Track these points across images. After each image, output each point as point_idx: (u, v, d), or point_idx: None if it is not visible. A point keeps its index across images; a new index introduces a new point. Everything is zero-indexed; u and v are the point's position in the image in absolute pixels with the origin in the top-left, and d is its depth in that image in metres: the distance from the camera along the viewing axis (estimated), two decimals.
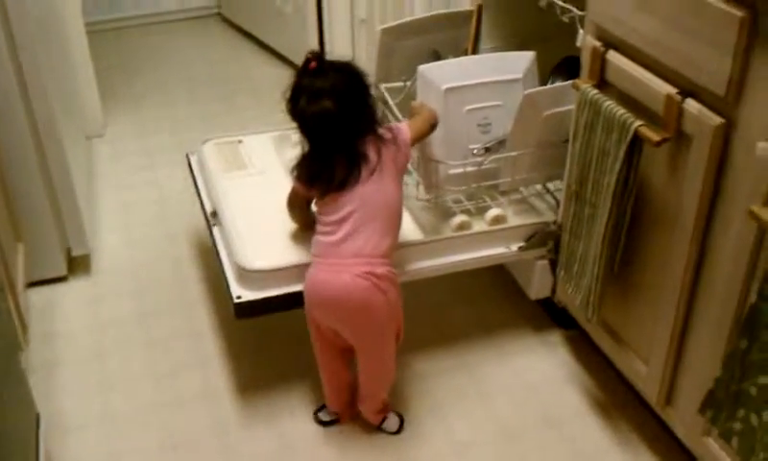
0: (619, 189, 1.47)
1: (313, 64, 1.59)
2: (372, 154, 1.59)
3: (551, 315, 2.01)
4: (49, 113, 1.99)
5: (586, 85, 1.54)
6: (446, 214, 1.89)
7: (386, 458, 1.69)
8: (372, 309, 1.58)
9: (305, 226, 1.75)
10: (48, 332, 2.01)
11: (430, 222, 1.89)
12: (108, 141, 2.88)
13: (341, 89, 1.57)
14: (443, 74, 1.80)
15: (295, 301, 1.69)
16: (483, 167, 1.84)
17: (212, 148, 2.10)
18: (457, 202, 1.91)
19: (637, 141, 1.42)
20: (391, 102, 1.99)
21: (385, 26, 2.01)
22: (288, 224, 1.81)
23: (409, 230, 1.85)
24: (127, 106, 3.11)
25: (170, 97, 3.18)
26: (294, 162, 1.65)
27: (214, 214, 1.88)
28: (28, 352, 1.91)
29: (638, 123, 1.41)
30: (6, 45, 1.86)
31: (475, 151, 1.82)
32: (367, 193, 1.58)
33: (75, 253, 2.18)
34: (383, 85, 2.02)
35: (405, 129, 1.68)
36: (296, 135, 2.09)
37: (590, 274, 1.59)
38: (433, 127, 1.77)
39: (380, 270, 1.56)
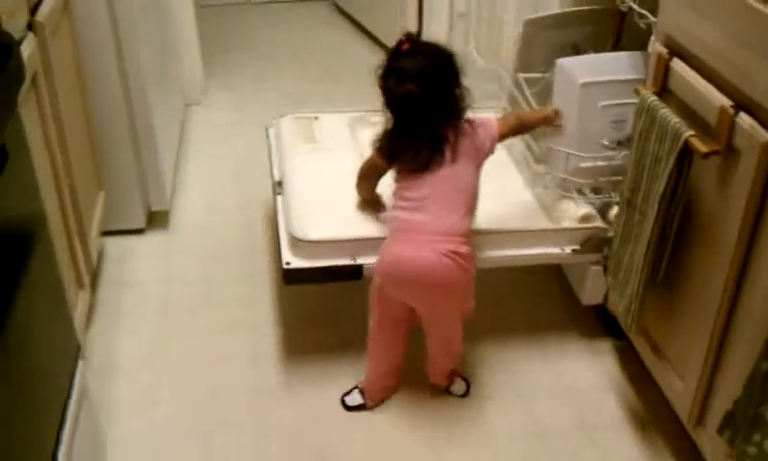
0: (667, 198, 1.45)
1: (405, 46, 1.64)
2: (453, 141, 1.63)
3: (604, 323, 1.98)
4: (141, 77, 2.11)
5: (646, 92, 1.53)
6: (571, 205, 1.89)
7: (417, 441, 1.71)
8: (454, 287, 1.62)
9: (370, 199, 1.81)
10: (119, 280, 2.13)
11: (554, 212, 1.91)
12: (206, 109, 3.02)
13: (427, 74, 1.61)
14: (580, 68, 1.81)
15: (342, 273, 1.75)
16: (613, 163, 1.83)
17: (289, 122, 2.17)
18: (582, 195, 1.90)
19: (688, 151, 1.40)
20: (527, 91, 2.01)
21: (527, 17, 2.03)
22: (346, 199, 1.86)
23: (531, 216, 1.91)
24: (227, 78, 3.24)
25: (269, 74, 3.30)
26: (377, 135, 1.71)
27: (279, 184, 1.95)
28: (95, 294, 2.05)
29: (690, 133, 1.38)
30: (108, 16, 1.99)
31: (607, 143, 1.81)
32: (448, 175, 1.62)
33: (154, 208, 2.30)
34: (521, 75, 2.04)
35: (493, 124, 1.72)
36: (373, 117, 2.19)
37: (634, 282, 1.57)
38: (523, 129, 1.83)
39: (463, 249, 1.60)
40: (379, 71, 1.66)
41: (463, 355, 1.82)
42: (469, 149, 1.65)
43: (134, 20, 2.04)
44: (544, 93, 1.98)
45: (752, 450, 1.25)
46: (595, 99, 1.79)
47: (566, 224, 1.85)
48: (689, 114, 1.45)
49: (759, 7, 1.24)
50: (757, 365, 1.23)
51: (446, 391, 1.82)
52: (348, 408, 1.77)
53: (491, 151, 1.72)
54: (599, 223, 1.83)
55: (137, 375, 1.85)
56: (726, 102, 1.34)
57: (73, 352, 1.43)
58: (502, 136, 1.76)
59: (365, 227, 1.79)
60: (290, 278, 1.75)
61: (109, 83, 2.07)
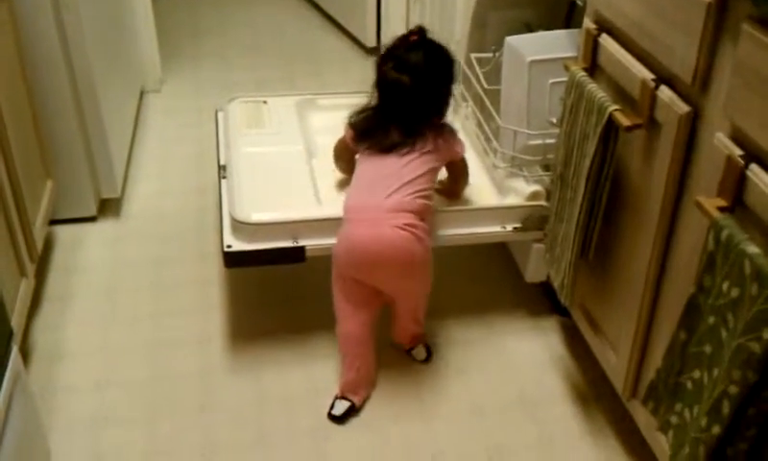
0: (594, 173, 1.46)
1: (413, 38, 1.70)
2: (428, 138, 1.67)
3: (550, 300, 2.00)
4: (88, 64, 2.10)
5: (575, 68, 1.53)
6: (521, 183, 1.91)
7: (358, 419, 1.73)
8: (414, 257, 1.64)
9: (349, 176, 1.82)
10: (68, 267, 2.13)
11: (503, 190, 1.93)
12: (164, 97, 3.00)
13: (424, 71, 1.67)
14: (529, 46, 1.81)
15: (284, 256, 1.76)
16: None
17: (237, 106, 2.17)
18: (532, 172, 1.92)
19: (613, 126, 1.41)
20: (478, 70, 2.01)
21: None
22: (290, 182, 1.87)
23: (481, 195, 1.92)
24: (188, 66, 3.23)
25: (230, 61, 3.28)
26: (353, 110, 1.74)
27: (224, 168, 1.95)
28: (43, 282, 2.05)
29: (614, 107, 1.39)
30: (50, 2, 1.98)
31: (555, 121, 1.82)
32: (408, 161, 1.65)
33: (105, 195, 2.30)
34: (473, 55, 2.05)
35: (462, 151, 1.78)
36: (322, 100, 2.20)
37: (566, 257, 1.58)
38: (453, 195, 1.88)
39: (417, 221, 1.63)
40: (382, 50, 1.72)
41: (424, 331, 1.85)
42: (437, 150, 1.69)
43: (78, 6, 2.02)
44: (495, 72, 1.98)
45: (674, 419, 1.27)
46: (544, 77, 1.79)
47: (510, 201, 1.86)
48: (617, 90, 1.46)
49: None
50: (676, 334, 1.24)
51: (407, 352, 1.85)
52: (340, 418, 1.71)
53: (443, 163, 1.77)
54: (510, 201, 1.86)
55: (84, 359, 1.85)
56: (648, 75, 1.35)
57: (5, 338, 1.43)
58: (463, 167, 1.83)
59: (306, 209, 1.79)
60: (231, 260, 1.75)
61: (54, 71, 2.05)
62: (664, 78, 1.33)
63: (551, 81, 1.79)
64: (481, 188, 1.94)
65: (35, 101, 2.01)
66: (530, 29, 2.00)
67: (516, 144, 1.85)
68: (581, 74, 1.51)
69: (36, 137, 2.01)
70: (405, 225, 1.60)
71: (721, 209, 1.15)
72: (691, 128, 1.28)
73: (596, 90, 1.45)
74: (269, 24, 3.64)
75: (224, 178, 1.94)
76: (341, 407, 1.72)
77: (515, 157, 1.87)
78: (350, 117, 1.74)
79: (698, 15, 1.20)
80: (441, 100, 1.72)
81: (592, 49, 1.54)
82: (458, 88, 2.14)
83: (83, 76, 2.11)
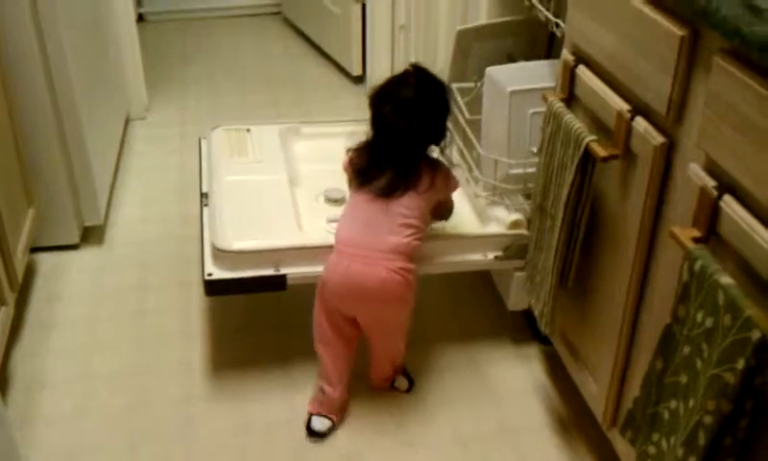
0: (572, 203, 1.47)
1: (412, 80, 1.68)
2: (425, 176, 1.66)
3: (532, 329, 2.00)
4: (71, 92, 2.11)
5: (553, 98, 1.55)
6: (502, 212, 1.91)
7: (338, 449, 1.72)
8: (401, 302, 1.66)
9: None
10: (50, 295, 2.12)
11: (485, 218, 1.93)
12: (149, 124, 3.01)
13: (424, 113, 1.66)
14: (509, 77, 1.82)
15: (265, 284, 1.75)
16: None
17: (221, 134, 2.17)
18: (514, 201, 1.92)
19: (590, 157, 1.42)
20: (460, 100, 2.02)
21: (461, 28, 2.04)
22: (272, 210, 1.88)
23: (463, 223, 1.92)
24: (174, 93, 3.24)
25: (217, 88, 3.30)
26: (354, 144, 1.72)
27: (205, 195, 1.95)
28: (24, 311, 2.05)
29: (591, 138, 1.40)
30: (33, 29, 1.99)
31: (535, 150, 1.83)
32: (404, 204, 1.65)
33: (87, 223, 2.30)
34: (455, 85, 2.06)
35: (450, 191, 1.78)
36: (306, 128, 2.20)
37: (546, 286, 1.59)
38: (441, 217, 1.85)
39: (410, 265, 1.64)
40: (377, 88, 1.69)
41: (403, 359, 1.85)
42: (433, 188, 1.68)
43: (61, 33, 2.03)
44: (477, 102, 1.99)
45: (651, 450, 1.27)
46: (524, 106, 1.80)
47: (490, 230, 1.87)
48: (594, 120, 1.47)
49: (648, 12, 1.27)
50: (652, 364, 1.24)
51: (391, 387, 1.84)
52: (322, 435, 1.72)
53: (439, 200, 1.75)
54: (491, 230, 1.86)
55: (64, 388, 1.84)
56: (624, 106, 1.36)
57: None
58: (440, 209, 1.81)
59: (288, 237, 1.79)
60: (212, 289, 1.75)
61: (36, 99, 2.06)
62: (640, 109, 1.35)
63: (531, 111, 1.80)
64: (463, 217, 1.95)
65: (16, 127, 2.00)
66: (512, 59, 2.03)
67: (497, 173, 1.86)
68: (558, 105, 1.53)
69: (17, 164, 2.01)
70: (399, 269, 1.61)
71: (695, 240, 1.16)
72: (666, 158, 1.29)
73: (573, 121, 1.46)
74: (255, 51, 3.66)
75: (206, 205, 1.94)
76: (323, 424, 1.72)
77: (496, 186, 1.88)
78: (349, 150, 1.73)
79: (671, 48, 1.22)
80: (437, 134, 1.71)
81: (570, 80, 1.55)
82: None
83: (66, 102, 2.11)
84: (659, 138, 1.28)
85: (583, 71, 1.51)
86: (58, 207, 2.21)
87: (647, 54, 1.28)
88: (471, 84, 2.07)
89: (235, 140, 2.16)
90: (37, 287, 2.15)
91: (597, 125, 1.46)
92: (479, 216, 1.94)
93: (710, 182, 1.16)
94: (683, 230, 1.18)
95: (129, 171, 2.70)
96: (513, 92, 1.79)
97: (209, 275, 1.73)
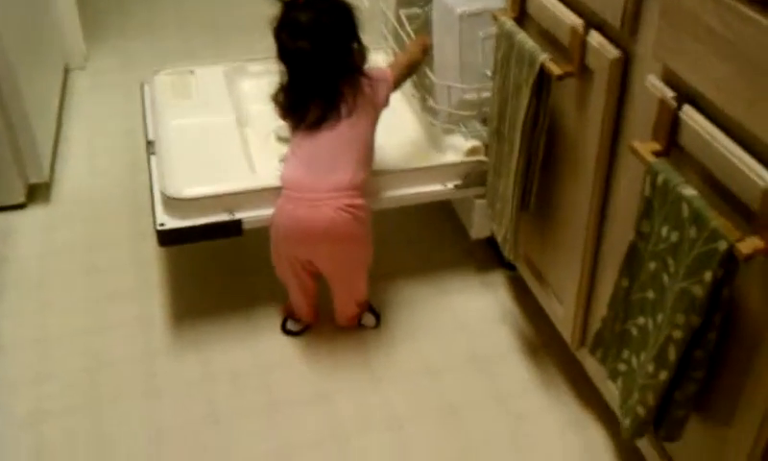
0: (529, 125, 1.44)
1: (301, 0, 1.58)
2: (349, 98, 1.60)
3: (497, 256, 1.98)
4: (2, 45, 1.99)
5: (504, 18, 1.50)
6: (460, 139, 1.87)
7: (308, 386, 1.70)
8: (353, 239, 1.62)
9: None
10: None
11: (441, 147, 1.88)
12: (90, 73, 2.89)
13: (322, 29, 1.57)
14: None
15: (221, 230, 1.71)
16: None
17: (163, 78, 2.10)
18: (470, 127, 1.88)
19: (545, 76, 1.38)
20: (408, 27, 1.95)
21: None
22: (222, 154, 1.82)
23: (419, 154, 1.88)
24: (114, 40, 3.11)
25: (158, 32, 3.18)
26: (275, 88, 1.66)
27: (151, 143, 1.89)
28: None
29: (544, 56, 1.36)
30: None
31: (489, 73, 1.77)
32: (341, 132, 1.59)
33: (32, 181, 2.21)
34: (402, 11, 1.99)
35: (387, 73, 1.70)
36: (253, 66, 2.13)
37: (507, 211, 1.56)
38: (413, 68, 1.79)
39: (358, 201, 1.59)
40: (274, 23, 1.61)
41: (367, 298, 1.82)
42: (365, 103, 1.63)
43: None
44: (426, 28, 1.94)
45: (622, 367, 1.26)
46: (475, 29, 1.74)
47: (447, 159, 1.83)
48: (547, 38, 1.43)
49: None
50: (618, 282, 1.23)
51: (359, 325, 1.83)
52: (293, 333, 1.79)
53: (386, 102, 1.69)
54: (450, 159, 1.82)
55: (20, 352, 1.78)
56: (577, 21, 1.32)
57: None
58: (396, 83, 1.74)
59: (241, 180, 1.74)
60: (165, 239, 1.70)
61: None
62: (594, 23, 1.31)
63: (483, 33, 1.75)
64: (419, 147, 1.91)
65: None
66: None
67: (451, 100, 1.82)
68: (510, 24, 1.48)
69: None
70: (347, 206, 1.57)
71: (656, 153, 1.14)
72: (623, 72, 1.26)
73: (526, 40, 1.42)
74: None
75: (153, 153, 1.87)
76: (296, 325, 1.79)
77: (451, 114, 1.84)
78: (272, 96, 1.66)
79: None
80: (350, 54, 1.62)
81: None
82: (387, 43, 2.09)
83: None
84: (614, 52, 1.25)
85: None
86: (0, 167, 2.12)
87: None
88: (419, 10, 2.01)
89: (179, 83, 2.08)
90: None
91: (551, 43, 1.42)
92: (435, 145, 1.90)
93: (669, 93, 1.13)
94: (643, 144, 1.16)
95: (71, 124, 2.60)
96: (462, 14, 1.73)
97: (161, 225, 1.68)
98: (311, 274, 1.71)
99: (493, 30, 1.66)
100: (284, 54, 1.61)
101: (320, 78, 1.59)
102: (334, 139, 1.59)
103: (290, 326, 1.80)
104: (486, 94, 1.77)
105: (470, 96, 1.80)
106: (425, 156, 1.88)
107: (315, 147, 1.60)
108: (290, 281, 1.73)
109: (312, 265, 1.69)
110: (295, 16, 1.58)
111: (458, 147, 1.85)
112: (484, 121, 1.84)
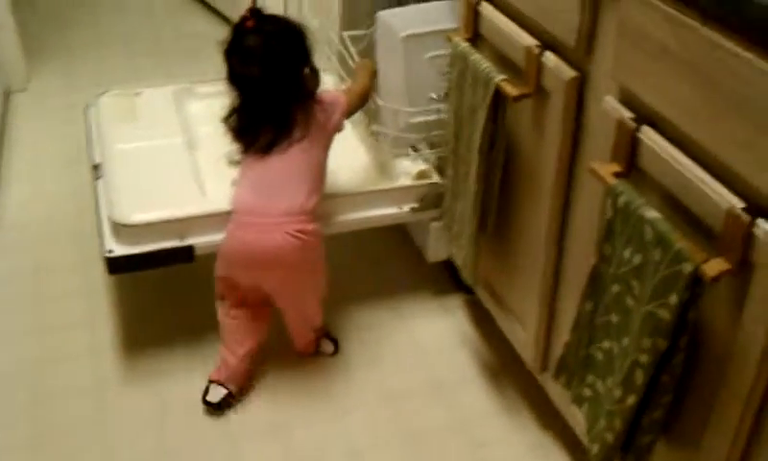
0: (485, 146, 1.42)
1: (249, 23, 1.55)
2: (301, 123, 1.56)
3: (454, 279, 1.96)
4: None
5: (457, 39, 1.48)
6: (407, 163, 1.83)
7: (263, 422, 1.65)
8: (304, 266, 1.59)
9: None
10: None
11: (389, 172, 1.84)
12: (32, 95, 2.81)
13: (272, 54, 1.54)
14: (402, 20, 1.73)
15: (172, 257, 1.65)
16: (443, 115, 1.73)
17: (108, 100, 2.04)
18: (417, 151, 1.84)
19: (501, 97, 1.36)
20: (352, 49, 1.92)
21: None
22: (171, 178, 1.77)
23: (367, 179, 1.83)
24: (56, 60, 3.03)
25: (102, 53, 3.10)
26: (226, 110, 1.61)
27: (97, 167, 1.83)
28: None
29: (500, 77, 1.35)
30: None
31: (435, 96, 1.74)
32: (293, 157, 1.56)
33: None
34: (345, 33, 1.95)
35: (341, 100, 1.66)
36: (201, 88, 2.09)
37: (466, 234, 1.54)
38: (366, 98, 1.76)
39: (309, 227, 1.55)
40: (224, 46, 1.56)
41: (323, 324, 1.79)
42: (317, 128, 1.59)
43: None
44: (371, 50, 1.91)
45: (587, 392, 1.24)
46: (420, 51, 1.72)
47: (402, 182, 1.80)
48: (502, 59, 1.42)
49: None
50: (581, 306, 1.21)
51: (317, 352, 1.78)
52: (216, 406, 1.64)
53: (339, 128, 1.66)
54: (436, 178, 1.78)
55: None
56: (532, 42, 1.31)
57: None
58: (350, 111, 1.71)
59: (191, 204, 1.68)
60: (114, 266, 1.64)
61: None
62: (549, 44, 1.30)
63: (429, 55, 1.72)
64: (368, 172, 1.87)
65: None
66: (401, 2, 1.94)
67: (398, 123, 1.78)
68: (463, 45, 1.47)
69: None
70: (296, 231, 1.53)
71: (616, 175, 1.12)
72: (579, 93, 1.25)
73: (481, 61, 1.40)
74: (138, 11, 3.46)
75: (99, 178, 1.81)
76: (217, 394, 1.64)
77: (398, 138, 1.81)
78: (223, 119, 1.61)
79: None
80: (301, 78, 1.58)
81: (473, 19, 1.49)
82: (331, 64, 2.06)
83: None
84: (569, 73, 1.24)
85: (486, 8, 1.45)
86: None
87: None
88: (363, 32, 1.97)
89: (125, 106, 2.02)
90: None
91: (505, 64, 1.40)
92: (383, 170, 1.86)
93: (627, 114, 1.12)
94: (603, 166, 1.14)
95: (13, 148, 2.52)
96: (407, 37, 1.71)
97: (110, 252, 1.62)
98: (252, 305, 1.66)
99: (439, 52, 1.66)
100: (234, 78, 1.57)
101: (271, 103, 1.56)
102: (285, 164, 1.56)
103: (210, 393, 1.64)
104: (433, 117, 1.75)
105: (417, 119, 1.77)
106: (379, 179, 1.85)
107: (266, 171, 1.56)
108: (226, 312, 1.66)
109: (255, 295, 1.64)
110: (245, 41, 1.55)
111: (407, 171, 1.82)
112: (432, 145, 1.82)
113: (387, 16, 1.76)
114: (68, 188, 2.32)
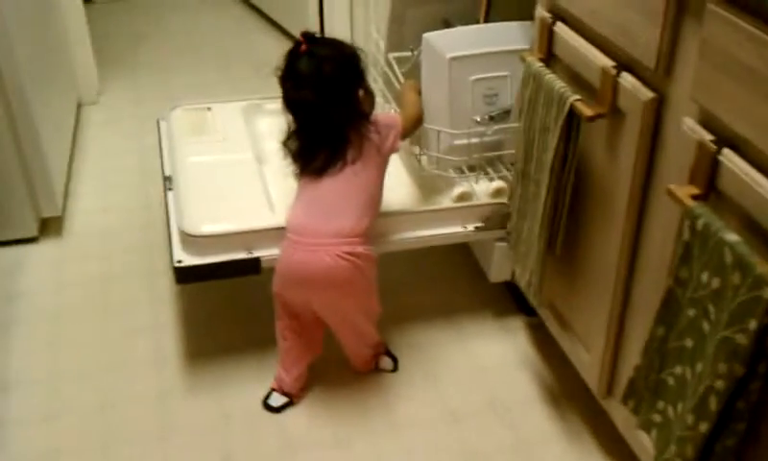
0: (557, 166, 1.41)
1: (303, 48, 1.56)
2: (355, 145, 1.57)
3: (515, 300, 1.95)
4: (18, 77, 1.99)
5: (531, 59, 1.48)
6: (447, 185, 1.83)
7: (325, 434, 1.65)
8: (352, 288, 1.58)
9: None
10: (10, 292, 2.02)
11: (430, 193, 1.85)
12: (103, 108, 2.89)
13: (325, 79, 1.55)
14: (448, 42, 1.74)
15: (239, 268, 1.68)
16: (486, 139, 1.77)
17: (180, 114, 2.08)
18: (459, 173, 1.84)
19: (575, 117, 1.36)
20: (398, 71, 1.94)
21: None
22: (240, 191, 1.80)
23: (408, 199, 1.83)
24: (126, 74, 3.11)
25: (171, 68, 3.18)
26: (284, 133, 1.64)
27: (169, 179, 1.86)
28: None
29: (575, 97, 1.34)
30: None
31: (479, 120, 1.75)
32: (346, 178, 1.57)
33: (44, 214, 2.19)
34: (391, 55, 1.97)
35: (397, 121, 1.66)
36: (269, 105, 2.12)
37: (533, 255, 1.53)
38: (421, 121, 1.76)
39: (359, 249, 1.55)
40: (278, 72, 1.59)
41: (382, 341, 1.79)
42: (372, 150, 1.60)
43: (5, 19, 1.92)
44: (416, 72, 1.90)
45: (656, 418, 1.22)
46: (465, 74, 1.72)
47: (472, 201, 1.80)
48: (576, 79, 1.41)
49: None
50: (653, 330, 1.19)
51: (376, 369, 1.79)
52: (276, 409, 1.69)
53: (394, 149, 1.66)
54: (475, 201, 1.78)
55: (31, 389, 1.75)
56: (608, 63, 1.31)
57: None
58: (406, 133, 1.71)
59: (259, 217, 1.71)
60: (182, 276, 1.66)
61: None
62: (625, 64, 1.29)
63: (473, 77, 1.73)
64: (408, 191, 1.87)
65: None
66: (448, 24, 1.95)
67: (440, 145, 1.78)
68: (537, 65, 1.46)
69: None
70: (346, 253, 1.53)
71: (694, 197, 1.11)
72: (656, 114, 1.23)
73: (555, 81, 1.40)
74: (207, 28, 3.54)
75: (170, 189, 1.85)
76: (279, 400, 1.69)
77: (440, 160, 1.81)
78: (282, 141, 1.64)
79: None
80: (355, 101, 1.59)
81: (548, 39, 1.49)
82: (377, 86, 2.07)
83: (14, 90, 1.99)
84: (648, 94, 1.23)
85: (561, 28, 1.45)
86: (12, 200, 2.10)
87: (632, 5, 1.22)
88: (408, 53, 1.98)
89: (196, 120, 2.06)
90: None
91: (579, 84, 1.40)
92: (422, 191, 1.86)
93: (707, 136, 1.11)
94: (680, 188, 1.13)
95: (85, 159, 2.59)
96: (453, 58, 1.71)
97: (179, 262, 1.65)
98: (304, 325, 1.67)
99: (484, 75, 1.69)
100: (289, 103, 1.59)
101: (325, 126, 1.57)
102: (337, 185, 1.57)
103: (271, 398, 1.70)
104: (475, 140, 1.75)
105: (460, 142, 1.77)
106: (415, 201, 1.84)
107: (318, 192, 1.58)
108: (282, 328, 1.68)
109: (308, 315, 1.65)
110: (298, 65, 1.56)
111: (446, 193, 1.81)
112: (471, 167, 1.82)
113: (433, 38, 1.76)
114: (136, 199, 2.37)
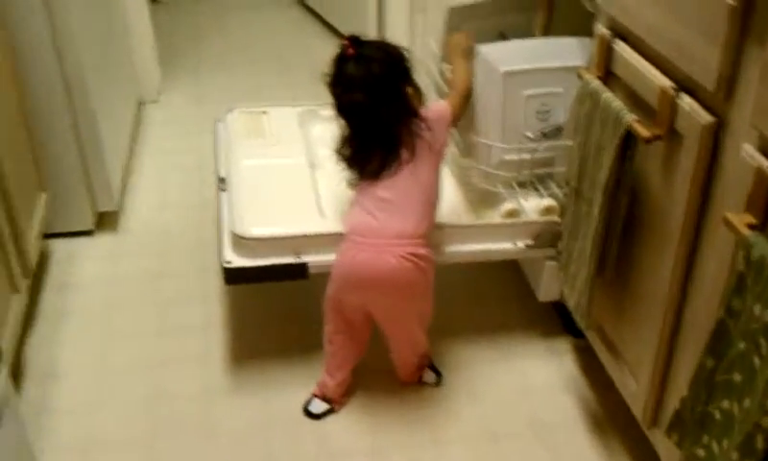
0: (611, 186, 1.39)
1: (350, 51, 1.57)
2: (408, 143, 1.57)
3: (563, 321, 1.92)
4: (82, 77, 2.04)
5: (589, 76, 1.46)
6: (496, 200, 1.82)
7: (365, 445, 1.65)
8: (414, 289, 1.59)
9: None
10: (64, 282, 2.06)
11: (478, 207, 1.84)
12: (163, 107, 2.94)
13: (374, 80, 1.56)
14: (502, 56, 1.72)
15: (286, 272, 1.68)
16: (537, 155, 1.75)
17: (237, 116, 2.10)
18: (509, 189, 1.82)
19: (631, 137, 1.33)
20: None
21: (454, 4, 1.94)
22: (292, 195, 1.81)
23: (456, 212, 1.83)
24: (187, 75, 3.17)
25: (231, 70, 3.23)
26: (337, 140, 1.65)
27: (223, 180, 1.88)
28: (38, 298, 1.99)
29: (632, 117, 1.32)
30: (44, 14, 1.93)
31: (531, 136, 1.73)
32: (403, 178, 1.57)
33: (101, 209, 2.23)
34: (445, 65, 1.96)
35: (444, 108, 1.65)
36: (324, 111, 2.12)
37: (582, 275, 1.51)
38: (470, 90, 1.73)
39: (422, 250, 1.56)
40: (327, 78, 1.60)
41: (429, 351, 1.78)
42: (424, 147, 1.59)
43: (71, 16, 1.97)
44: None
45: (700, 453, 1.18)
46: (519, 88, 1.71)
47: (523, 217, 1.78)
48: (634, 99, 1.38)
49: None
50: (702, 361, 1.16)
51: (420, 382, 1.78)
52: (315, 416, 1.70)
53: (446, 142, 1.66)
54: (525, 217, 1.76)
55: (79, 379, 1.78)
56: (667, 83, 1.28)
57: None
58: (456, 116, 1.68)
59: (309, 223, 1.72)
60: (231, 277, 1.68)
61: (48, 83, 2.00)
62: (685, 86, 1.26)
63: (527, 93, 1.71)
64: (458, 206, 1.86)
65: (28, 111, 1.95)
66: (504, 38, 1.92)
67: (491, 160, 1.76)
68: (595, 83, 1.44)
69: (29, 149, 1.95)
70: (409, 254, 1.54)
71: (751, 226, 1.07)
72: (715, 139, 1.20)
73: (612, 100, 1.38)
74: (268, 31, 3.59)
75: (223, 190, 1.87)
76: (320, 407, 1.69)
77: (489, 174, 1.78)
78: (335, 148, 1.65)
79: (721, 18, 1.13)
80: (404, 99, 1.59)
81: (606, 56, 1.46)
82: (432, 97, 2.05)
83: (77, 86, 2.05)
84: (706, 117, 1.19)
85: (620, 46, 1.42)
86: (71, 193, 2.15)
87: (694, 26, 1.19)
88: None
89: (252, 123, 2.08)
90: (51, 274, 2.09)
91: (636, 104, 1.37)
92: (471, 205, 1.85)
93: (767, 164, 1.07)
94: (736, 216, 1.09)
95: (143, 155, 2.63)
96: (507, 73, 1.69)
97: (228, 262, 1.67)
98: (355, 329, 1.66)
99: (538, 90, 1.67)
100: (340, 108, 1.60)
101: (378, 128, 1.58)
102: (396, 186, 1.57)
103: (312, 404, 1.71)
104: (526, 156, 1.72)
105: (510, 157, 1.75)
106: (462, 215, 1.83)
107: (377, 194, 1.58)
108: (332, 332, 1.67)
109: (361, 319, 1.64)
110: (346, 69, 1.57)
111: (496, 208, 1.79)
112: (521, 184, 1.80)
113: (488, 51, 1.74)
114: (191, 199, 2.40)
